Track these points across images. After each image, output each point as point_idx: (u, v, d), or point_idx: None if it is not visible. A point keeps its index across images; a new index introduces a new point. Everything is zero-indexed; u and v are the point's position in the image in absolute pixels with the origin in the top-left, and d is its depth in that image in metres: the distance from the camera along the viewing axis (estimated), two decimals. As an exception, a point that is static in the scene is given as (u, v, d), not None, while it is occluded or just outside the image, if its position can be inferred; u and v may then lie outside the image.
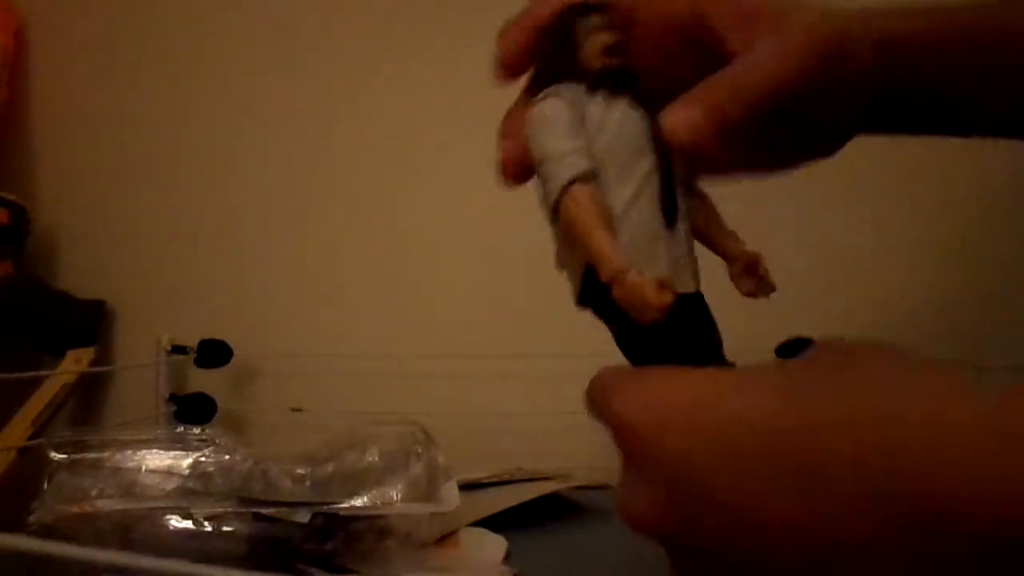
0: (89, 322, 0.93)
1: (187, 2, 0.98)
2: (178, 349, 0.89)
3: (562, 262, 0.32)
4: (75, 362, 0.88)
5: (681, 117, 0.28)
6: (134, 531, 0.50)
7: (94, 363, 0.91)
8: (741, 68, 0.29)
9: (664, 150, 0.29)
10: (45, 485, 0.51)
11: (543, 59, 0.33)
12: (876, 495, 0.19)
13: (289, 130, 0.94)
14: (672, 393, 0.25)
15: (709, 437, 0.23)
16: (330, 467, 0.55)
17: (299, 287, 0.93)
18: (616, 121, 0.29)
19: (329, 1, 0.94)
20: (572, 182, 0.29)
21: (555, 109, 0.30)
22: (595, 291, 0.29)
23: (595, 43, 0.30)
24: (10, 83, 0.98)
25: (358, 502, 0.52)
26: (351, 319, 0.91)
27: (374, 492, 0.53)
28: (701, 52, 0.31)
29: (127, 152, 0.99)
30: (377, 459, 0.55)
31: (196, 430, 0.57)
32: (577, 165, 0.29)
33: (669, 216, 0.29)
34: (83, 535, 0.51)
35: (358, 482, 0.53)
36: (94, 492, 0.51)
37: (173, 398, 0.89)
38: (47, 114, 1.02)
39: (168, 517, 0.50)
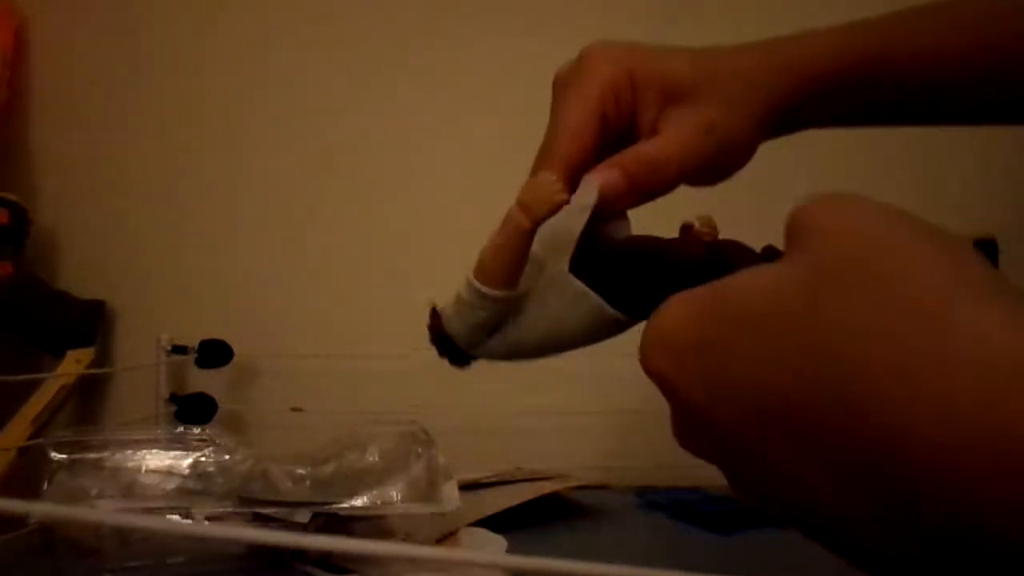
0: (89, 322, 0.93)
1: (187, 2, 0.98)
2: (178, 349, 0.89)
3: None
4: (75, 362, 0.88)
5: (605, 176, 0.34)
6: (134, 531, 0.50)
7: (94, 363, 0.91)
8: (653, 150, 0.35)
9: None
10: (45, 485, 0.51)
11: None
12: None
13: (290, 131, 0.94)
14: (677, 330, 0.25)
15: (711, 373, 0.24)
16: (330, 467, 0.55)
17: (299, 287, 0.93)
18: None
19: (329, 6, 0.94)
20: None
21: None
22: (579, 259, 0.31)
23: None
24: (10, 83, 0.98)
25: (358, 502, 0.52)
26: (351, 319, 0.91)
27: (374, 492, 0.53)
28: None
29: (127, 152, 0.99)
30: (377, 459, 0.55)
31: (196, 430, 0.57)
32: None
33: None
34: (83, 535, 0.51)
35: (358, 482, 0.53)
36: (94, 492, 0.51)
37: (173, 398, 0.89)
38: (47, 114, 1.02)
39: (168, 517, 0.50)
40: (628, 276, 0.31)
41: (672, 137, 0.35)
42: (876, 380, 0.19)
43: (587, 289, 0.31)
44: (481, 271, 0.32)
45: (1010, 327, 0.18)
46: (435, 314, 0.36)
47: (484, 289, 0.32)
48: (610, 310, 0.31)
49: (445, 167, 0.89)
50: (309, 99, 0.94)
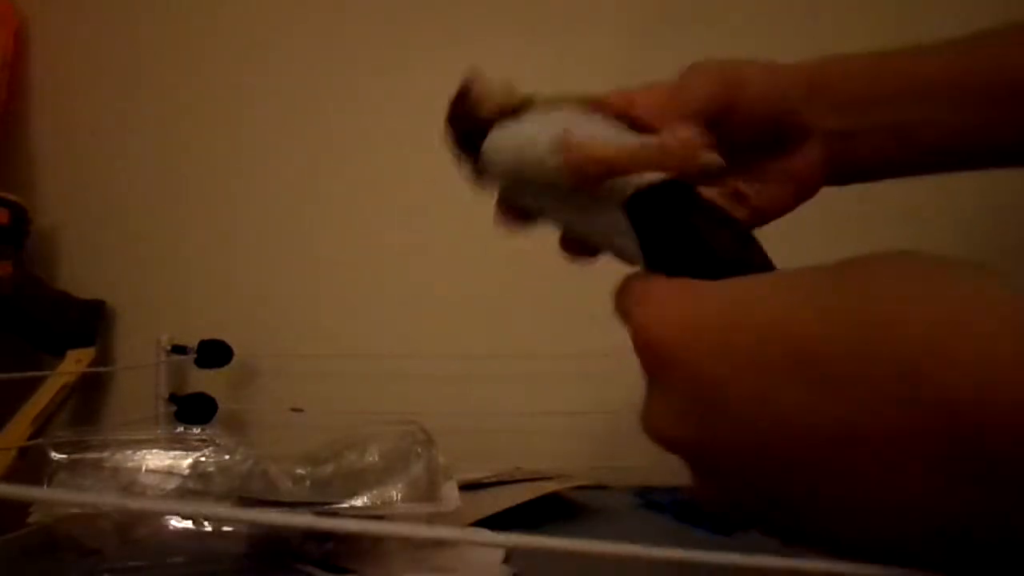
0: (89, 322, 0.93)
1: (187, 2, 0.98)
2: (178, 349, 0.89)
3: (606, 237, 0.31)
4: (75, 362, 0.88)
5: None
6: (134, 531, 0.50)
7: (94, 363, 0.91)
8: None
9: None
10: (45, 485, 0.51)
11: None
12: (917, 401, 0.19)
13: (290, 131, 0.94)
14: (696, 303, 0.25)
15: (735, 347, 0.23)
16: (330, 467, 0.55)
17: (299, 287, 0.93)
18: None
19: (329, 7, 0.94)
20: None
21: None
22: (646, 217, 0.29)
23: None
24: (10, 83, 0.98)
25: (358, 502, 0.52)
26: (351, 319, 0.91)
27: (374, 492, 0.52)
28: None
29: (127, 152, 0.99)
30: (377, 459, 0.55)
31: (196, 430, 0.57)
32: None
33: None
34: (83, 535, 0.51)
35: (358, 482, 0.53)
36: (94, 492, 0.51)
37: (173, 398, 0.89)
38: (47, 114, 1.02)
39: (168, 517, 0.50)
40: (675, 254, 0.29)
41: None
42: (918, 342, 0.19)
43: (636, 240, 0.29)
44: (580, 152, 0.29)
45: None
46: (467, 95, 0.33)
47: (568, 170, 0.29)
48: (642, 264, 0.29)
49: (446, 167, 0.89)
50: (309, 99, 0.94)
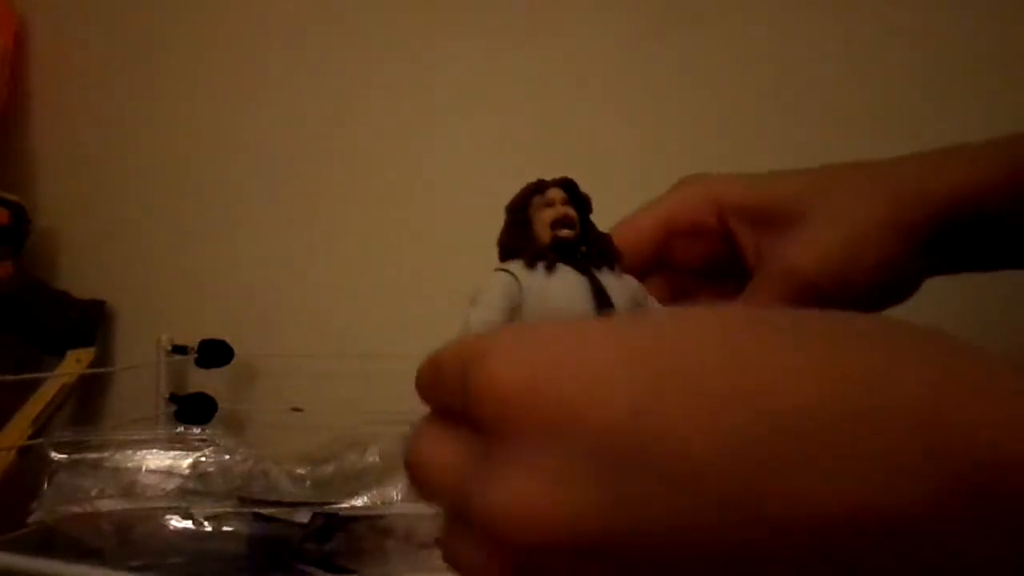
0: (89, 322, 0.93)
1: (187, 2, 0.98)
2: (178, 349, 0.89)
3: None
4: (75, 362, 0.88)
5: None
6: (134, 531, 0.50)
7: (94, 363, 0.91)
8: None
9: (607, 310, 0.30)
10: (45, 485, 0.51)
11: None
12: (946, 467, 0.15)
13: (290, 130, 0.94)
14: (579, 341, 0.19)
15: (676, 387, 0.17)
16: (330, 467, 0.55)
17: (299, 287, 0.93)
18: (558, 288, 0.31)
19: (329, 6, 0.94)
20: None
21: (497, 281, 0.31)
22: None
23: (543, 218, 0.32)
24: (10, 83, 0.98)
25: (358, 502, 0.52)
26: (351, 319, 0.91)
27: (374, 492, 0.53)
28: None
29: (127, 152, 0.99)
30: (377, 459, 0.55)
31: (196, 430, 0.57)
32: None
33: None
34: (83, 535, 0.51)
35: (358, 482, 0.53)
36: (94, 492, 0.51)
37: (173, 398, 0.89)
38: (47, 114, 1.02)
39: (168, 517, 0.50)
40: None
41: (762, 274, 0.34)
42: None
43: None
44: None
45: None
46: None
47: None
48: None
49: (446, 168, 0.89)
50: (310, 99, 0.94)
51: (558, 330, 0.19)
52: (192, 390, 0.91)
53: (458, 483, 0.19)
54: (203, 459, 0.53)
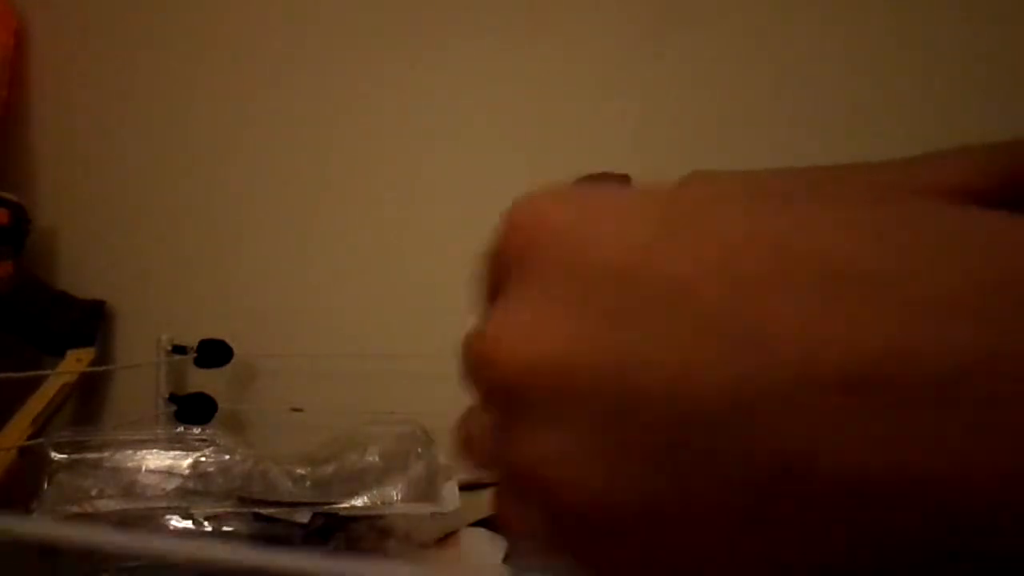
0: (89, 322, 0.93)
1: (187, 2, 0.98)
2: (178, 349, 0.89)
3: None
4: (75, 362, 0.88)
5: None
6: (134, 531, 0.50)
7: (94, 363, 0.91)
8: None
9: None
10: (45, 485, 0.51)
11: None
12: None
13: (289, 131, 0.94)
14: (613, 190, 0.18)
15: (692, 232, 0.15)
16: (330, 467, 0.55)
17: (299, 287, 0.93)
18: None
19: (330, 3, 0.94)
20: None
21: None
22: None
23: None
24: (10, 83, 0.98)
25: (358, 502, 0.52)
26: (351, 319, 0.91)
27: (374, 492, 0.53)
28: None
29: (127, 152, 0.99)
30: (377, 459, 0.55)
31: (196, 430, 0.57)
32: None
33: None
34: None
35: (358, 482, 0.53)
36: (94, 492, 0.51)
37: (173, 398, 0.89)
38: (47, 114, 1.02)
39: (168, 517, 0.50)
40: None
41: None
42: None
43: None
44: None
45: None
46: None
47: None
48: None
49: (446, 168, 0.89)
50: (309, 99, 0.94)
51: (581, 185, 0.19)
52: (192, 390, 0.91)
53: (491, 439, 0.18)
54: (203, 459, 0.53)
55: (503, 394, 0.16)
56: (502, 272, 0.18)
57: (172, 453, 0.54)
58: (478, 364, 0.17)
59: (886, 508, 0.13)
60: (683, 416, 0.14)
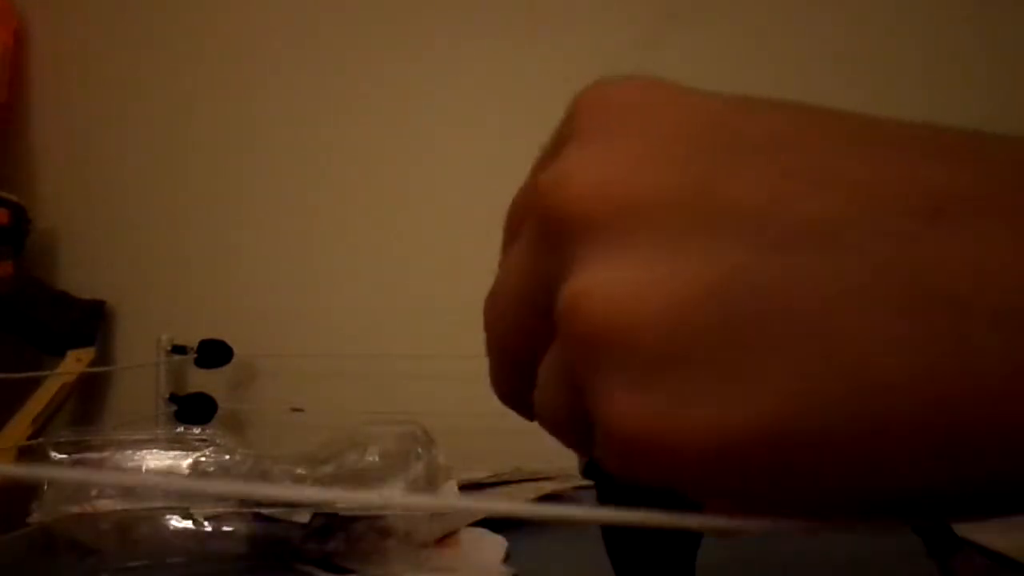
0: (89, 322, 0.93)
1: (187, 2, 0.98)
2: (178, 349, 0.89)
3: None
4: (75, 362, 0.88)
5: None
6: (134, 531, 0.50)
7: (94, 363, 0.91)
8: None
9: None
10: (45, 485, 0.51)
11: None
12: None
13: (290, 131, 0.94)
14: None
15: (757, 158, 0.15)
16: (330, 467, 0.55)
17: (299, 287, 0.93)
18: None
19: (329, 4, 0.94)
20: None
21: None
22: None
23: None
24: (10, 83, 0.98)
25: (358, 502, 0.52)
26: (351, 319, 0.91)
27: (374, 492, 0.52)
28: None
29: (127, 152, 0.99)
30: (377, 459, 0.55)
31: (196, 430, 0.57)
32: None
33: None
34: (83, 535, 0.51)
35: (358, 482, 0.53)
36: (94, 492, 0.51)
37: (173, 398, 0.89)
38: (47, 114, 1.02)
39: (168, 517, 0.50)
40: None
41: None
42: None
43: None
44: None
45: None
46: None
47: None
48: None
49: (447, 168, 0.89)
50: (310, 100, 0.94)
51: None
52: (192, 390, 0.91)
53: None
54: (203, 459, 0.53)
55: (568, 223, 0.16)
56: (561, 143, 0.18)
57: (172, 453, 0.54)
58: (545, 191, 0.16)
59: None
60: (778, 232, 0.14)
